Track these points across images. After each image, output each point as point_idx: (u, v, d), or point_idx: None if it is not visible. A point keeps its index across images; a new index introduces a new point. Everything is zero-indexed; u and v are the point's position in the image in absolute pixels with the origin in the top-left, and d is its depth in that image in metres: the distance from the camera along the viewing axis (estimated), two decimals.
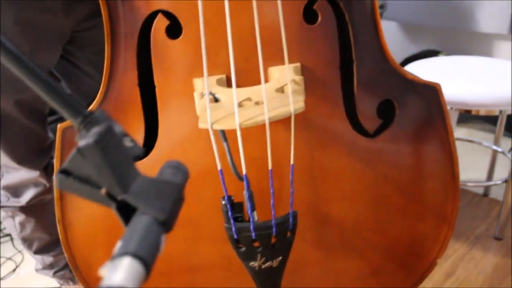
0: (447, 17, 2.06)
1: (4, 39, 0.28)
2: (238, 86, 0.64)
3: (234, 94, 0.54)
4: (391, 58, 0.70)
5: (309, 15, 0.65)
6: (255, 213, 0.65)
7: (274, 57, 0.65)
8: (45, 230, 0.94)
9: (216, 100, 0.58)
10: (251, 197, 0.63)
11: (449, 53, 2.22)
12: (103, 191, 0.27)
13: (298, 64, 0.66)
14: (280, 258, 0.68)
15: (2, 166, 0.86)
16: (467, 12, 1.99)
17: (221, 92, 0.59)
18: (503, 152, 1.41)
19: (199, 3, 0.56)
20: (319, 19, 0.65)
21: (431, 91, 0.72)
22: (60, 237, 0.77)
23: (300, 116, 0.63)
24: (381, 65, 0.70)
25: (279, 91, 0.58)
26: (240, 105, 0.56)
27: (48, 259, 0.99)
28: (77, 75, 0.90)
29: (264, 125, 0.54)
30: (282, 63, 0.64)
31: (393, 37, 2.52)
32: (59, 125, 0.71)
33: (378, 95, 0.72)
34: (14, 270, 1.41)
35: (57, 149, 0.71)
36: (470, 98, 1.12)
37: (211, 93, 0.59)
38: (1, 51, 0.28)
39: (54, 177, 0.72)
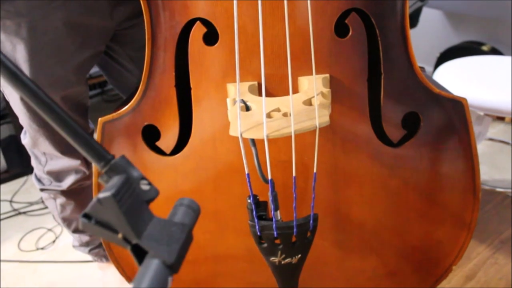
0: (492, 7, 2.00)
1: (44, 95, 0.33)
2: (269, 93, 0.68)
3: (263, 104, 0.58)
4: (419, 72, 0.72)
5: (341, 29, 0.67)
6: (278, 212, 0.69)
7: (304, 67, 0.68)
8: None
9: (247, 108, 0.62)
10: (275, 199, 0.67)
11: (493, 45, 2.16)
12: (119, 235, 0.32)
13: (327, 75, 0.68)
14: (299, 255, 0.72)
15: (46, 154, 0.93)
16: None
17: (252, 100, 0.63)
18: None
19: (235, 12, 0.59)
20: (350, 33, 0.67)
21: (457, 106, 0.74)
22: None
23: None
24: (409, 79, 0.72)
25: (307, 103, 0.61)
26: (269, 115, 0.59)
27: (85, 238, 1.08)
28: (117, 70, 0.96)
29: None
30: (312, 73, 0.67)
31: (436, 26, 2.47)
32: (99, 119, 0.77)
33: (403, 107, 0.73)
34: (54, 241, 1.53)
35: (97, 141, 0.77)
36: (504, 105, 1.11)
37: (243, 101, 0.62)
38: (37, 103, 0.32)
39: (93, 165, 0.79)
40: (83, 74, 0.87)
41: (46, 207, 1.65)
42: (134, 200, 0.32)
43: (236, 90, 0.65)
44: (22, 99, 0.82)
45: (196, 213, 0.37)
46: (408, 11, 0.69)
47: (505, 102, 1.12)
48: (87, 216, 0.31)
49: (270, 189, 0.62)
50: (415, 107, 0.74)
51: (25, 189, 1.85)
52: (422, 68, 0.94)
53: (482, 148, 1.72)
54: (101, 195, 0.31)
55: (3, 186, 1.90)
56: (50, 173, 0.96)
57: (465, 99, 0.74)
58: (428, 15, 2.33)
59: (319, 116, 0.58)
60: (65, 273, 1.38)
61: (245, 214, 0.70)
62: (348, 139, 0.74)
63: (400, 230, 0.82)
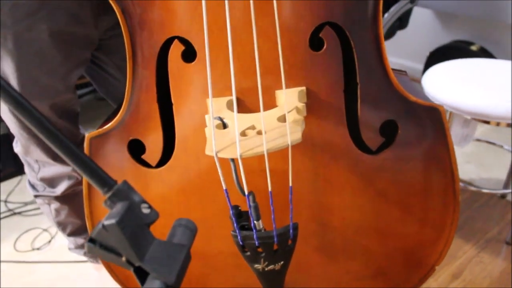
0: (482, 7, 2.02)
1: (48, 123, 0.35)
2: (247, 108, 0.70)
3: (235, 123, 0.60)
4: (395, 81, 0.74)
5: (315, 42, 0.69)
6: (260, 221, 0.71)
7: (280, 81, 0.69)
8: (78, 216, 1.05)
9: (224, 125, 0.64)
10: (255, 210, 0.69)
11: (482, 44, 2.18)
12: (123, 259, 0.34)
13: (303, 88, 0.70)
14: (282, 262, 0.74)
15: (39, 161, 0.96)
16: (504, 2, 1.94)
17: (229, 117, 0.65)
18: None
19: (205, 29, 0.60)
20: (325, 46, 0.69)
21: (434, 113, 0.76)
22: (89, 230, 0.86)
23: (306, 135, 0.68)
24: (385, 88, 0.74)
25: (281, 119, 0.63)
26: (244, 133, 0.61)
27: (80, 240, 1.11)
28: (106, 79, 0.98)
29: None
30: (288, 86, 0.69)
31: (426, 25, 2.49)
32: (86, 135, 0.79)
33: (381, 116, 0.75)
34: (50, 241, 1.55)
35: None
36: (489, 110, 1.13)
37: (220, 118, 0.64)
38: (43, 132, 0.34)
39: None
40: (70, 83, 0.89)
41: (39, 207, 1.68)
42: (136, 224, 0.34)
43: (214, 106, 0.67)
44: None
45: (193, 232, 0.39)
46: (382, 21, 0.71)
47: (491, 107, 1.14)
48: (92, 240, 0.33)
49: (248, 202, 0.64)
50: (392, 115, 0.75)
51: (19, 189, 1.86)
52: (404, 72, 0.96)
53: (469, 148, 1.74)
54: (106, 222, 0.33)
55: None
56: (43, 180, 0.98)
57: (442, 107, 0.76)
58: (418, 14, 2.35)
59: (291, 133, 0.60)
60: (62, 272, 1.40)
61: (229, 221, 0.72)
62: (327, 148, 0.76)
63: (381, 233, 0.84)
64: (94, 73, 0.98)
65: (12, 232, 1.62)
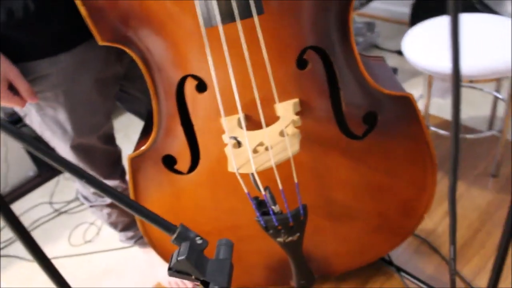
0: None
1: (120, 193, 0.53)
2: (254, 122, 0.87)
3: (247, 144, 0.78)
4: (369, 79, 0.90)
5: (301, 63, 0.84)
6: (277, 205, 0.91)
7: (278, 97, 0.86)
8: (126, 215, 1.26)
9: (239, 143, 0.82)
10: (272, 199, 0.88)
11: None
12: (193, 277, 0.53)
13: (296, 100, 0.87)
14: (298, 234, 0.95)
15: None
16: None
17: (242, 136, 0.82)
18: (503, 99, 1.55)
19: (211, 67, 0.76)
20: (309, 66, 0.84)
21: (405, 101, 0.92)
22: (141, 230, 1.07)
23: (303, 135, 0.86)
24: (362, 86, 0.90)
25: (282, 134, 0.81)
26: (255, 150, 0.79)
27: (130, 233, 1.33)
28: (128, 99, 1.15)
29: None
30: (283, 100, 0.86)
31: None
32: (128, 155, 0.97)
33: (362, 109, 0.92)
34: (98, 233, 1.78)
35: (130, 177, 0.98)
36: (467, 73, 1.26)
37: (234, 138, 0.82)
38: (124, 204, 0.53)
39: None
40: (110, 115, 1.07)
41: (82, 203, 1.89)
42: (196, 253, 0.53)
43: (228, 124, 0.84)
44: (72, 148, 1.02)
45: (231, 247, 0.57)
46: (353, 34, 0.86)
47: (468, 71, 1.26)
48: (170, 268, 0.52)
49: (265, 197, 0.83)
50: (371, 107, 0.92)
51: (59, 189, 2.05)
52: (381, 58, 1.12)
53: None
54: (179, 258, 0.51)
55: (39, 190, 2.09)
56: (95, 193, 1.18)
57: (411, 94, 0.92)
58: None
59: (290, 146, 0.77)
60: (115, 258, 1.63)
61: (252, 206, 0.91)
62: (322, 141, 0.94)
63: (374, 197, 1.04)
64: (121, 97, 1.15)
65: (64, 230, 1.83)
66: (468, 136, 1.52)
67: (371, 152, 0.97)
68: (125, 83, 1.09)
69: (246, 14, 0.71)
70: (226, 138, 0.85)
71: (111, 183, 1.14)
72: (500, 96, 1.54)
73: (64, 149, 1.02)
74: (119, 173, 1.16)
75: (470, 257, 1.26)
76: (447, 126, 1.61)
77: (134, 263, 1.57)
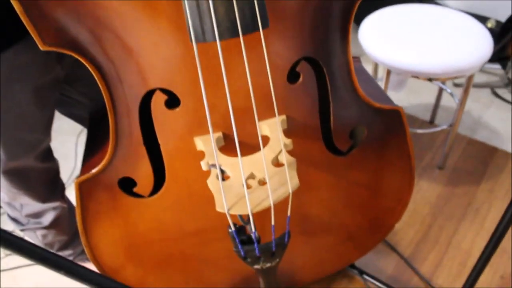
0: None
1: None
2: (235, 146, 0.74)
3: (240, 175, 0.65)
4: (361, 93, 0.81)
5: (292, 76, 0.73)
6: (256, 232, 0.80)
7: (262, 113, 0.74)
8: (64, 234, 1.06)
9: (222, 173, 0.69)
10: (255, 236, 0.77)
11: None
12: None
13: (284, 117, 0.75)
14: (278, 260, 0.86)
15: (24, 204, 0.94)
16: None
17: (226, 165, 0.69)
18: (451, 94, 1.57)
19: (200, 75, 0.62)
20: (301, 79, 0.73)
21: (394, 114, 0.85)
22: (88, 256, 0.91)
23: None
24: (353, 100, 0.81)
25: (274, 162, 0.69)
26: (247, 185, 0.67)
27: (68, 252, 1.14)
28: (68, 103, 0.94)
29: None
30: (270, 117, 0.74)
31: None
32: (75, 180, 0.80)
33: (350, 124, 0.83)
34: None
35: (77, 203, 0.81)
36: (422, 70, 1.23)
37: (215, 166, 0.69)
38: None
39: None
40: (50, 127, 0.87)
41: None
42: None
43: (204, 143, 0.71)
44: (3, 174, 0.81)
45: None
46: (350, 45, 0.75)
47: (423, 68, 1.23)
48: None
49: (253, 235, 0.72)
50: (360, 121, 0.84)
51: None
52: (357, 58, 1.03)
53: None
54: None
55: None
56: (28, 215, 0.98)
57: (401, 108, 0.85)
58: None
59: (290, 179, 0.67)
60: (47, 274, 1.39)
61: (223, 228, 0.79)
62: (305, 158, 0.83)
63: (352, 211, 0.98)
64: (59, 101, 0.94)
65: None
66: (420, 131, 1.52)
67: (353, 167, 0.90)
68: (65, 86, 0.88)
69: (249, 28, 0.57)
70: (205, 165, 0.71)
71: (51, 205, 0.95)
72: (448, 90, 1.55)
73: None
74: (59, 192, 0.97)
75: (426, 255, 1.28)
76: None
77: (69, 280, 1.37)
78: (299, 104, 0.76)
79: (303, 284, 1.17)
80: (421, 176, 1.49)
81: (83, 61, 0.66)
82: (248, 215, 0.71)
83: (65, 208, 1.00)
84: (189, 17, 0.56)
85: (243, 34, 0.56)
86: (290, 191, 0.67)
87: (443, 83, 1.58)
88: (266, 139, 0.73)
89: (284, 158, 0.69)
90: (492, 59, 1.64)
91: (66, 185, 1.06)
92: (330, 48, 0.73)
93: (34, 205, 0.95)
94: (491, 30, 1.48)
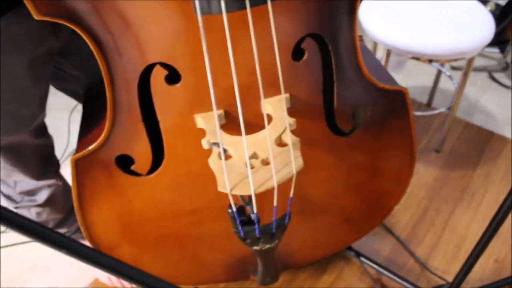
0: None
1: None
2: (237, 123, 0.72)
3: (247, 160, 0.64)
4: (366, 72, 0.79)
5: (296, 53, 0.70)
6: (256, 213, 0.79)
7: (265, 91, 0.72)
8: (59, 212, 1.04)
9: (224, 152, 0.67)
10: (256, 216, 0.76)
11: None
12: None
13: (287, 95, 0.73)
14: (277, 241, 0.85)
15: (18, 181, 0.91)
16: None
17: (228, 144, 0.67)
18: (450, 77, 1.55)
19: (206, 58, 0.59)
20: (306, 56, 0.71)
21: (398, 95, 0.83)
22: (85, 236, 0.89)
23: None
24: (357, 80, 0.79)
25: (277, 141, 0.67)
26: (250, 165, 0.65)
27: (63, 230, 1.12)
28: (63, 77, 0.91)
29: None
30: (274, 95, 0.72)
31: None
32: (71, 158, 0.77)
33: (353, 104, 0.82)
34: None
35: (73, 180, 0.79)
36: (423, 51, 1.21)
37: (218, 145, 0.67)
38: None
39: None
40: (45, 101, 0.84)
41: None
42: None
43: (205, 121, 0.69)
44: None
45: None
46: (357, 21, 0.73)
47: (425, 48, 1.21)
48: None
49: (254, 217, 0.71)
50: (363, 102, 0.82)
51: None
52: (360, 37, 1.00)
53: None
54: None
55: None
56: (22, 193, 0.95)
57: (405, 89, 0.83)
58: None
59: (294, 159, 0.65)
60: (43, 252, 1.31)
61: (221, 208, 0.77)
62: (307, 139, 0.81)
63: (352, 193, 0.97)
64: (53, 75, 0.90)
65: None
66: (417, 113, 1.51)
67: (354, 148, 0.88)
68: (59, 59, 0.85)
69: (257, 0, 0.54)
70: (206, 143, 0.69)
71: (46, 183, 0.92)
72: (447, 73, 1.53)
73: None
74: (54, 169, 0.94)
75: (422, 237, 1.28)
76: None
77: (67, 258, 1.35)
78: (303, 83, 0.74)
79: (300, 265, 1.17)
80: (418, 159, 1.49)
81: (79, 32, 0.63)
82: (248, 196, 0.69)
83: (60, 185, 0.98)
84: None
85: (251, 6, 0.54)
86: (294, 171, 0.65)
87: (442, 65, 1.57)
88: (268, 118, 0.71)
89: (289, 137, 0.67)
90: (491, 43, 1.63)
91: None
92: (337, 24, 0.70)
93: (28, 182, 0.92)
94: (491, 13, 1.47)
